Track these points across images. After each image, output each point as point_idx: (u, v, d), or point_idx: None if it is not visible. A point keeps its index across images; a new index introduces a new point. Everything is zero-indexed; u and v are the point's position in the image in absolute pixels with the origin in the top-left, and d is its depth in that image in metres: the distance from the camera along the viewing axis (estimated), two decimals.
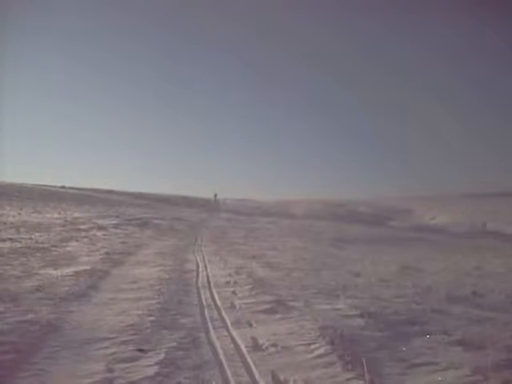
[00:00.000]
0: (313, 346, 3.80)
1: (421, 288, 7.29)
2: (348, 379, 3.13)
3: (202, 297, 5.94)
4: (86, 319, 4.62)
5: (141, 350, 3.70)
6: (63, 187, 47.28)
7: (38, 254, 8.94)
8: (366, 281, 7.84)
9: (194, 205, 45.59)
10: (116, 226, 17.06)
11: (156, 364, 3.40)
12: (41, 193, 34.89)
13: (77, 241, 11.84)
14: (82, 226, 15.72)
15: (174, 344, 3.90)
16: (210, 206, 47.83)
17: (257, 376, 3.24)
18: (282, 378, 3.20)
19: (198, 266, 8.75)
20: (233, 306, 5.39)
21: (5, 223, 14.54)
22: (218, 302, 5.61)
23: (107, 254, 9.70)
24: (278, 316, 4.91)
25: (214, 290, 6.37)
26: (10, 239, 10.86)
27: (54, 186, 46.72)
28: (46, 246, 10.27)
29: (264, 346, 3.86)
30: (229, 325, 4.59)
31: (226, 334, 4.30)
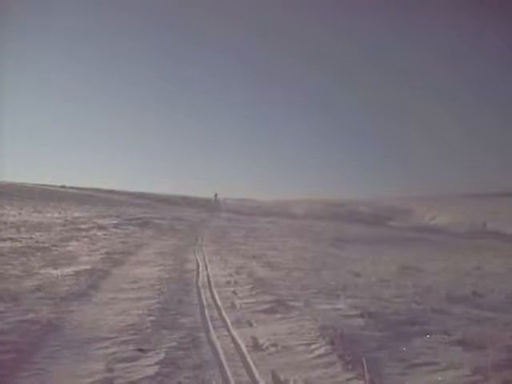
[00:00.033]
0: (313, 346, 3.80)
1: (421, 288, 7.29)
2: (348, 379, 3.13)
3: (203, 296, 5.94)
4: (86, 319, 4.62)
5: (141, 350, 3.70)
6: (63, 187, 47.30)
7: (39, 254, 8.95)
8: (366, 281, 7.84)
9: (195, 205, 45.59)
10: (116, 226, 17.06)
11: (156, 364, 3.40)
12: (41, 192, 34.91)
13: (77, 240, 11.84)
14: (83, 226, 15.72)
15: (174, 344, 3.90)
16: (210, 205, 47.84)
17: (257, 376, 3.24)
18: (282, 377, 3.20)
19: (198, 266, 8.75)
20: (233, 306, 5.39)
21: (5, 223, 14.55)
22: (219, 302, 5.60)
23: (107, 253, 9.70)
24: (278, 316, 4.90)
25: (214, 290, 6.37)
26: (11, 239, 10.87)
27: (55, 186, 46.74)
28: (46, 245, 10.27)
29: (264, 346, 3.86)
30: (229, 324, 4.59)
31: (226, 333, 4.30)
